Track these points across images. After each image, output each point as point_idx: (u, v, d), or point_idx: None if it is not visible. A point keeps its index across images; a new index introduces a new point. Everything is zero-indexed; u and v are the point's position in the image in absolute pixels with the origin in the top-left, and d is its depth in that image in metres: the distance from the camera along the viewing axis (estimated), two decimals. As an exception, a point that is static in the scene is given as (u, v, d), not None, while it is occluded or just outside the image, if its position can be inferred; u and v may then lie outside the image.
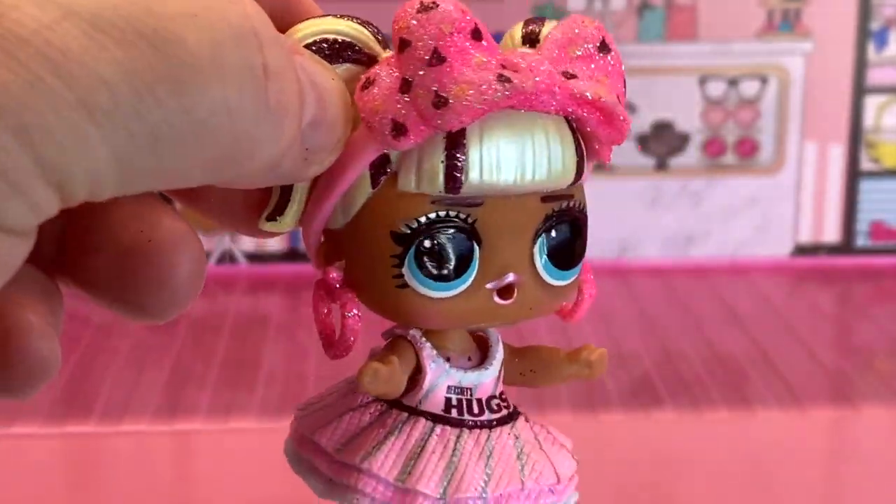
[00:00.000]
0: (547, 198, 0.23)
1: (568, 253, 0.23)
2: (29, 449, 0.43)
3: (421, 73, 0.22)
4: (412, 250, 0.23)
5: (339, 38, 0.22)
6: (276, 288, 0.59)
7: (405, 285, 0.23)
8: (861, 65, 0.60)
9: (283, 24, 0.22)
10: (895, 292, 0.58)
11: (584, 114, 0.23)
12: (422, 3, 0.22)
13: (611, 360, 0.50)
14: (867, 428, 0.44)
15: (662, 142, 0.61)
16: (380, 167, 0.23)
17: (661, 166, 0.61)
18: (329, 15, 0.22)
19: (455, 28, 0.22)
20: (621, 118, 0.23)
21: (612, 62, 0.23)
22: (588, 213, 0.24)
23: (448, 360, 0.24)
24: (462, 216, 0.22)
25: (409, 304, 0.23)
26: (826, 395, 0.46)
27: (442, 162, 0.22)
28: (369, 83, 0.22)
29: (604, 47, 0.23)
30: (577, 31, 0.23)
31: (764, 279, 0.60)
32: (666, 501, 0.39)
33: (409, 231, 0.22)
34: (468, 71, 0.22)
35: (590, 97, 0.23)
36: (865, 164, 0.61)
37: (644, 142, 0.61)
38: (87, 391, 0.47)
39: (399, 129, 0.22)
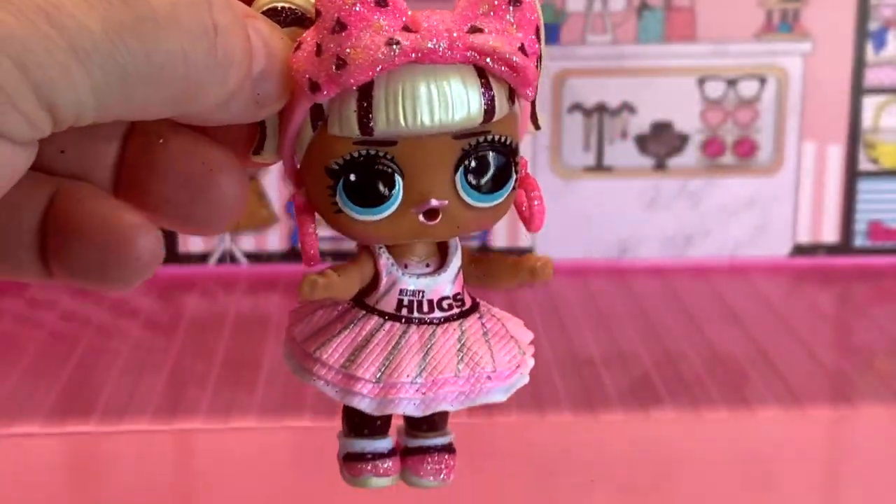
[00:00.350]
0: (459, 135, 0.27)
1: (489, 180, 0.28)
2: (30, 448, 0.43)
3: (327, 38, 0.27)
4: (341, 183, 0.28)
5: (288, 5, 0.27)
6: (277, 288, 0.59)
7: (340, 211, 0.28)
8: (860, 65, 0.60)
9: None
10: (894, 292, 0.59)
11: (488, 63, 0.27)
12: None
13: (610, 360, 0.50)
14: (866, 427, 0.45)
15: (661, 142, 0.61)
16: (315, 114, 0.27)
17: (660, 166, 0.61)
18: None
19: (358, 0, 0.26)
20: (517, 63, 0.27)
21: (525, 14, 0.28)
22: (511, 146, 0.28)
23: (406, 266, 0.29)
24: (381, 154, 0.27)
25: (346, 225, 0.28)
26: (825, 395, 0.46)
27: (354, 111, 0.27)
28: (298, 46, 0.27)
29: (514, 2, 0.27)
30: None
31: (763, 279, 0.60)
32: (665, 500, 0.39)
33: (337, 167, 0.27)
34: (364, 36, 0.26)
35: (487, 49, 0.27)
36: (864, 165, 0.61)
37: (643, 142, 0.61)
38: (87, 391, 0.47)
39: (314, 86, 0.27)
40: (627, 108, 0.61)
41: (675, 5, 0.59)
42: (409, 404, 0.29)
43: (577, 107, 0.60)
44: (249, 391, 0.47)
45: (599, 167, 0.61)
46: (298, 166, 0.29)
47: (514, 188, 0.28)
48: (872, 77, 0.60)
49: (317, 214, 0.29)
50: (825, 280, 0.60)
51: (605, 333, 0.53)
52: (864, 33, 0.60)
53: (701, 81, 0.60)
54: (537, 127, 0.30)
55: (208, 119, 0.25)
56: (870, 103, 0.60)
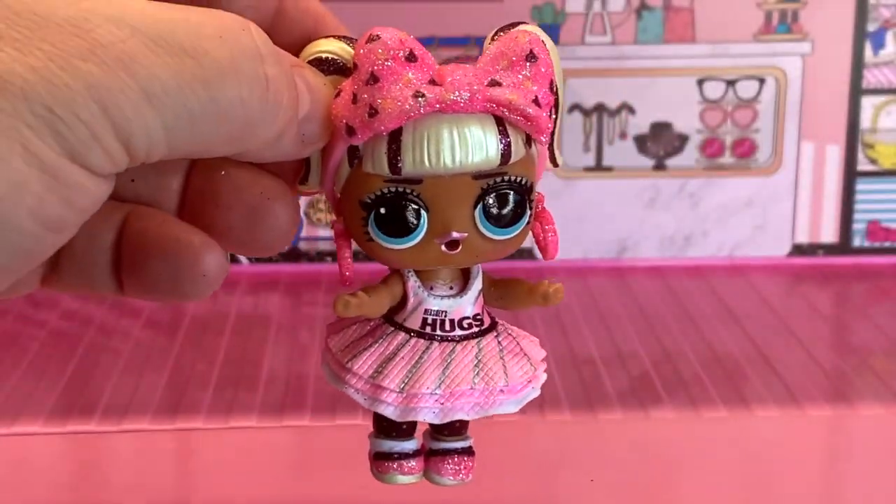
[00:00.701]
0: (478, 176, 0.31)
1: (505, 215, 0.31)
2: (31, 448, 0.43)
3: (362, 89, 0.30)
4: (372, 215, 0.31)
5: (331, 56, 0.31)
6: (278, 288, 0.60)
7: (371, 239, 0.31)
8: (858, 66, 0.60)
9: (315, 35, 0.31)
10: (892, 292, 0.59)
11: (505, 113, 0.31)
12: (370, 35, 0.30)
13: (609, 360, 0.50)
14: (864, 427, 0.45)
15: (661, 142, 0.61)
16: (352, 153, 0.31)
17: (660, 166, 0.61)
18: (331, 36, 0.31)
19: (390, 55, 0.30)
20: (530, 114, 0.31)
21: (540, 69, 0.31)
22: (525, 185, 0.31)
23: (431, 288, 0.33)
24: (407, 191, 0.31)
25: (377, 252, 0.32)
26: (823, 394, 0.47)
27: (384, 152, 0.30)
28: (338, 93, 0.30)
29: (531, 57, 0.31)
30: (510, 44, 0.31)
31: (762, 279, 0.60)
32: (664, 499, 0.39)
33: (369, 201, 0.31)
34: (394, 88, 0.30)
35: (503, 101, 0.31)
36: (863, 165, 0.61)
37: (642, 142, 0.61)
38: (89, 390, 0.47)
39: (350, 130, 0.30)
40: (627, 108, 0.61)
41: (674, 6, 0.60)
42: (428, 412, 0.33)
43: (576, 107, 0.61)
44: (250, 391, 0.47)
45: (599, 167, 0.61)
46: (338, 196, 0.32)
47: (528, 222, 0.32)
48: (871, 77, 0.60)
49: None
50: (824, 280, 0.60)
51: (605, 333, 0.53)
52: (863, 34, 0.60)
53: (700, 82, 0.60)
54: (555, 164, 0.34)
55: (261, 156, 0.28)
56: (868, 104, 0.61)
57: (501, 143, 0.31)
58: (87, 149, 0.24)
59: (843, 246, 0.62)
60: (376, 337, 0.33)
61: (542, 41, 0.31)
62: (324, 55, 0.31)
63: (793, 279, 0.61)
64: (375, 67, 0.30)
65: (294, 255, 0.61)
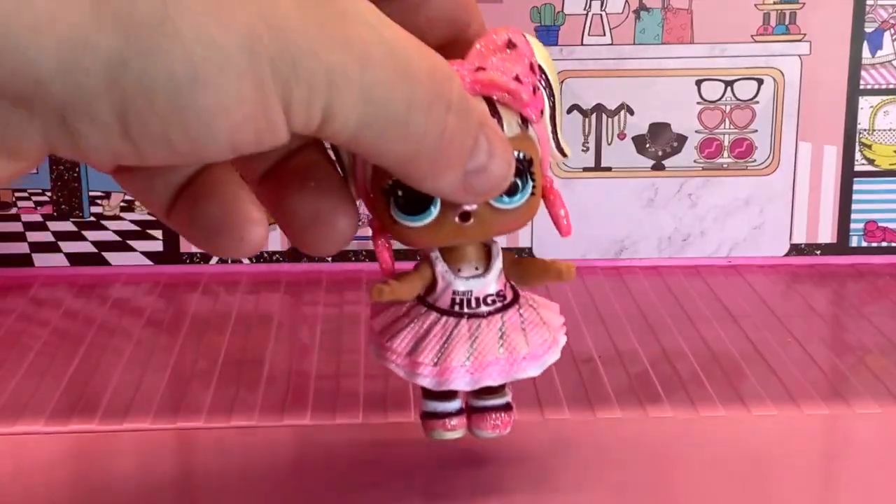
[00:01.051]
0: None
1: (509, 185, 0.34)
2: (33, 447, 0.43)
3: None
4: (392, 199, 0.35)
5: None
6: (279, 287, 0.60)
7: (396, 222, 0.35)
8: (856, 66, 0.60)
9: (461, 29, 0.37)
10: (889, 291, 0.59)
11: (492, 92, 0.34)
12: None
13: (608, 359, 0.50)
14: (861, 425, 0.45)
15: (659, 142, 0.61)
16: None
17: (658, 167, 0.61)
18: None
19: None
20: (510, 89, 0.34)
21: (520, 53, 0.35)
22: (523, 159, 0.35)
23: (458, 270, 0.37)
24: None
25: (402, 234, 0.35)
26: (821, 393, 0.47)
27: None
28: None
29: (510, 45, 0.35)
30: (492, 38, 0.35)
31: (759, 278, 0.61)
32: (662, 497, 0.39)
33: (388, 187, 0.35)
34: None
35: (486, 81, 0.34)
36: (860, 165, 0.61)
37: (641, 142, 0.61)
38: (90, 390, 0.48)
39: None
40: (625, 108, 0.61)
41: (672, 7, 0.60)
42: (460, 382, 0.37)
43: (575, 107, 0.61)
44: (251, 390, 0.47)
45: (598, 167, 0.61)
46: (370, 194, 0.36)
47: (532, 193, 0.35)
48: (868, 78, 0.61)
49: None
50: (821, 280, 0.61)
51: (603, 332, 0.53)
52: (861, 35, 0.60)
53: (698, 82, 0.61)
54: (563, 154, 0.38)
55: (419, 184, 0.32)
56: (866, 104, 0.61)
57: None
58: (298, 107, 0.27)
59: (841, 246, 0.62)
60: (411, 317, 0.37)
61: (521, 32, 0.35)
62: None
63: (790, 279, 0.61)
64: None
65: (295, 254, 0.62)
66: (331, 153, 0.35)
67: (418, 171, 0.31)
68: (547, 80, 0.37)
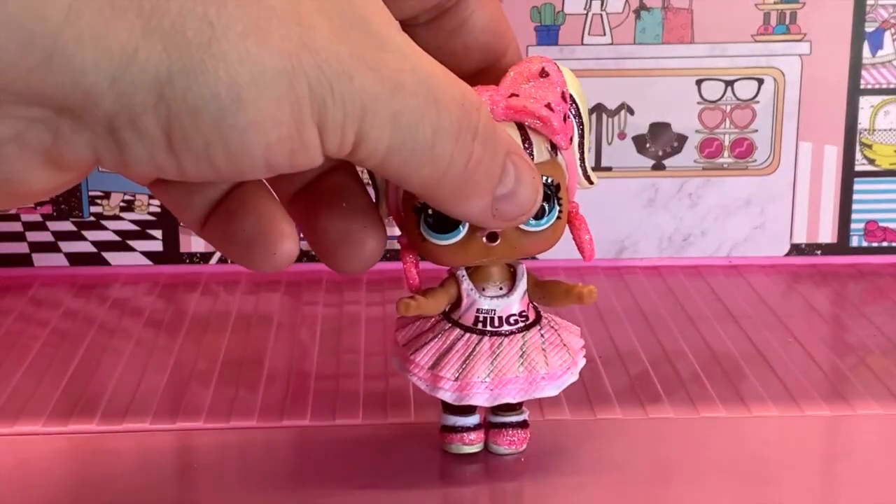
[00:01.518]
0: None
1: (537, 209, 0.35)
2: (31, 448, 0.43)
3: None
4: (422, 217, 0.36)
5: None
6: (279, 287, 0.60)
7: (425, 239, 0.36)
8: (856, 66, 0.60)
9: (496, 48, 0.38)
10: (890, 291, 0.59)
11: (524, 119, 0.36)
12: None
13: (609, 359, 0.50)
14: (862, 426, 0.45)
15: (660, 142, 0.61)
16: None
17: (658, 167, 0.61)
18: None
19: None
20: (541, 116, 0.36)
21: (552, 82, 0.36)
22: (551, 184, 0.37)
23: (483, 289, 0.38)
24: None
25: (431, 251, 0.37)
26: (821, 394, 0.47)
27: None
28: None
29: (543, 73, 0.36)
30: (526, 67, 0.36)
31: (760, 278, 0.61)
32: (662, 497, 0.39)
33: (419, 206, 0.36)
34: None
35: (519, 107, 0.36)
36: (861, 165, 0.61)
37: (641, 142, 0.61)
38: (90, 390, 0.48)
39: None
40: (626, 108, 0.61)
41: (672, 7, 0.60)
42: (480, 397, 0.38)
43: (575, 107, 0.61)
44: (251, 390, 0.47)
45: (598, 167, 0.61)
46: (401, 212, 0.37)
47: (558, 217, 0.37)
48: (869, 78, 0.60)
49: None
50: (822, 280, 0.61)
51: (603, 332, 0.53)
52: (861, 35, 0.60)
53: (699, 82, 0.61)
54: (590, 182, 0.39)
55: (447, 209, 0.33)
56: (866, 104, 0.61)
57: (524, 144, 0.36)
58: (332, 130, 0.29)
59: (841, 246, 0.62)
60: (436, 332, 0.39)
61: (554, 63, 0.37)
62: None
63: (791, 279, 0.61)
64: None
65: (294, 254, 0.61)
66: (365, 173, 0.37)
67: (444, 196, 0.32)
68: (577, 109, 0.38)
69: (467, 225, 0.36)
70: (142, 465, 0.42)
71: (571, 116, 0.38)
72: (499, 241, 0.36)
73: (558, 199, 0.37)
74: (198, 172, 0.28)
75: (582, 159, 0.39)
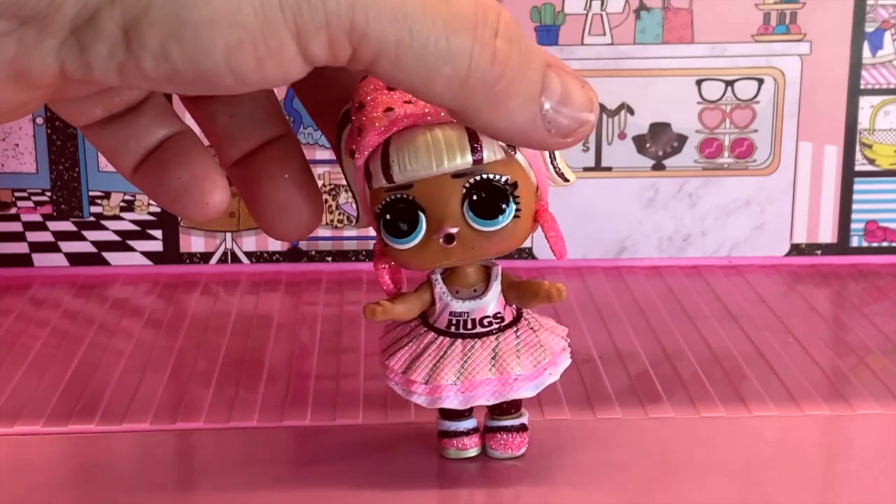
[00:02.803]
0: (456, 175, 0.36)
1: (489, 208, 0.36)
2: (31, 448, 0.43)
3: (356, 117, 0.36)
4: (382, 222, 0.36)
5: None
6: (279, 287, 0.60)
7: (387, 244, 0.37)
8: (856, 66, 0.60)
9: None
10: (890, 291, 0.59)
11: None
12: (363, 76, 0.35)
13: (609, 359, 0.50)
14: (862, 426, 0.45)
15: (660, 142, 0.61)
16: (367, 176, 0.36)
17: (659, 167, 0.61)
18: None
19: (373, 88, 0.35)
20: None
21: None
22: (505, 182, 0.36)
23: (457, 292, 0.38)
24: (402, 196, 0.36)
25: (394, 255, 0.37)
26: (822, 393, 0.47)
27: (380, 166, 0.36)
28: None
29: None
30: None
31: (760, 278, 0.61)
32: (663, 497, 0.39)
33: (378, 211, 0.36)
34: (372, 110, 0.35)
35: None
36: (861, 165, 0.61)
37: (641, 142, 0.61)
38: (89, 390, 0.48)
39: (352, 153, 0.36)
40: (626, 108, 0.61)
41: (673, 7, 0.60)
42: (452, 400, 0.38)
43: (575, 107, 0.61)
44: (251, 390, 0.47)
45: (598, 167, 0.61)
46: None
47: (515, 216, 0.36)
48: (869, 78, 0.60)
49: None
50: (822, 280, 0.61)
51: (603, 332, 0.53)
52: (861, 35, 0.60)
53: (699, 82, 0.61)
54: (565, 180, 0.40)
55: (492, 122, 0.30)
56: (866, 104, 0.61)
57: (472, 145, 0.35)
58: (316, 34, 0.27)
59: (841, 246, 0.62)
60: (411, 336, 0.39)
61: None
62: (349, 107, 0.36)
63: (791, 279, 0.61)
64: (362, 98, 0.35)
65: (295, 254, 0.62)
66: (347, 175, 0.37)
67: (480, 104, 0.29)
68: None
69: (423, 228, 0.36)
70: (142, 465, 0.42)
71: None
72: (455, 242, 0.36)
73: (514, 197, 0.36)
74: (159, 73, 0.27)
75: (552, 157, 0.39)
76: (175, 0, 0.26)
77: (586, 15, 0.60)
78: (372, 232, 0.38)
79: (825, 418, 0.45)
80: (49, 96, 0.30)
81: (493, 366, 0.38)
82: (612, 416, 0.45)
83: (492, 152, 0.36)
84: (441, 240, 0.36)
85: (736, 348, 0.51)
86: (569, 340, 0.40)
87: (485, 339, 0.38)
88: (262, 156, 0.35)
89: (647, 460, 0.41)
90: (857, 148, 0.61)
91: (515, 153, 0.37)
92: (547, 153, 0.39)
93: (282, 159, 0.35)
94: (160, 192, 0.34)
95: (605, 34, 0.60)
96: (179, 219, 0.61)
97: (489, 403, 0.39)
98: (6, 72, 0.28)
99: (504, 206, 0.36)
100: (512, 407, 0.40)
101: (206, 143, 0.37)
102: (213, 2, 0.26)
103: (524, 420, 0.40)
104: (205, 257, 0.62)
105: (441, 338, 0.38)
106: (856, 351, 0.51)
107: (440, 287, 0.38)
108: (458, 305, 0.38)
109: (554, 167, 0.39)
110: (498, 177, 0.36)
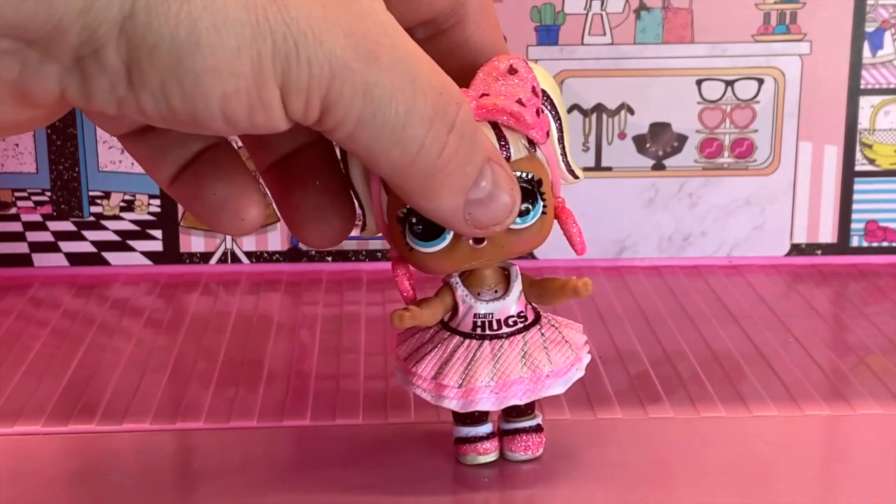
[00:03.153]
0: None
1: (511, 222, 0.35)
2: (31, 448, 0.43)
3: None
4: (407, 226, 0.36)
5: None
6: (279, 287, 0.60)
7: (412, 248, 0.36)
8: (857, 66, 0.60)
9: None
10: (890, 291, 0.59)
11: (496, 117, 0.35)
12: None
13: (609, 359, 0.50)
14: (862, 426, 0.45)
15: (660, 142, 0.61)
16: (384, 180, 0.34)
17: (659, 167, 0.61)
18: None
19: None
20: (513, 112, 0.35)
21: (519, 79, 0.36)
22: (532, 179, 0.36)
23: (479, 294, 0.38)
24: None
25: (418, 259, 0.36)
26: (822, 394, 0.47)
27: None
28: None
29: (512, 71, 0.36)
30: (494, 66, 0.36)
31: (760, 278, 0.61)
32: (663, 498, 0.39)
33: (402, 215, 0.36)
34: None
35: (490, 106, 0.35)
36: (861, 165, 0.61)
37: (641, 142, 0.61)
38: (89, 390, 0.48)
39: None
40: (626, 108, 0.61)
41: (673, 6, 0.60)
42: (486, 402, 0.38)
43: (575, 107, 0.61)
44: (251, 390, 0.47)
45: (598, 167, 0.61)
46: (387, 224, 0.37)
47: (543, 213, 0.36)
48: (869, 78, 0.60)
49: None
50: (822, 280, 0.61)
51: (604, 332, 0.53)
52: (861, 35, 0.60)
53: (699, 82, 0.61)
54: (575, 177, 0.40)
55: (417, 202, 0.33)
56: (867, 104, 0.61)
57: (500, 143, 0.35)
58: (296, 93, 0.28)
59: (842, 246, 0.62)
60: (435, 342, 0.38)
61: (523, 59, 0.36)
62: None
63: (791, 279, 0.61)
64: None
65: (295, 254, 0.62)
66: (354, 182, 0.37)
67: (413, 186, 0.32)
68: (553, 104, 0.38)
69: (452, 231, 0.35)
70: (142, 465, 0.42)
71: (546, 111, 0.37)
72: (485, 242, 0.36)
73: (541, 194, 0.36)
74: (156, 112, 0.28)
75: (564, 154, 0.39)
76: (179, 44, 0.27)
77: (586, 15, 0.60)
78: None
79: (825, 418, 0.45)
80: (55, 115, 0.31)
81: (525, 364, 0.38)
82: (612, 416, 0.45)
83: (518, 149, 0.36)
84: (471, 241, 0.36)
85: (736, 348, 0.51)
86: (586, 336, 0.40)
87: (512, 338, 0.38)
88: (296, 162, 0.36)
89: (647, 460, 0.41)
90: (858, 148, 0.61)
91: (536, 151, 0.37)
92: (559, 150, 0.38)
93: (313, 166, 0.36)
94: (196, 206, 0.34)
95: (605, 34, 0.60)
96: (180, 218, 0.61)
97: (522, 403, 0.38)
98: (9, 90, 0.28)
99: (533, 203, 0.36)
100: (529, 408, 0.40)
101: (240, 145, 0.38)
102: (216, 50, 0.27)
103: (539, 420, 0.40)
104: (205, 257, 0.62)
105: (468, 340, 0.38)
106: (856, 351, 0.51)
107: (462, 290, 0.38)
108: (483, 307, 0.38)
109: (566, 164, 0.39)
110: (525, 174, 0.36)
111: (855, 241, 0.62)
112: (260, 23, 0.27)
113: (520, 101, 0.35)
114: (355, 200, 0.38)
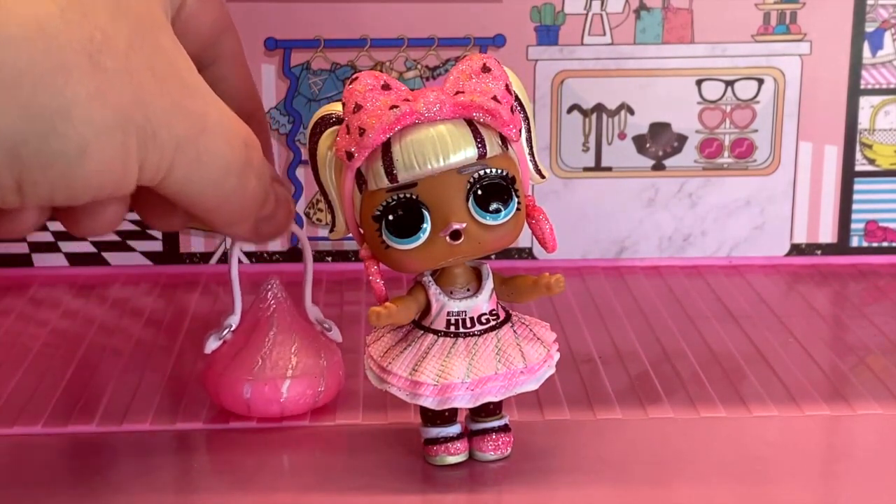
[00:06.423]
0: (461, 170, 0.36)
1: (493, 201, 0.36)
2: (31, 449, 0.43)
3: (351, 119, 0.36)
4: (383, 223, 0.36)
5: (332, 113, 0.38)
6: (278, 288, 0.59)
7: (388, 246, 0.37)
8: (856, 66, 0.60)
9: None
10: (890, 291, 0.59)
11: (472, 113, 0.36)
12: (350, 78, 0.37)
13: (609, 359, 0.50)
14: (862, 426, 0.45)
15: (660, 142, 0.61)
16: (359, 180, 0.37)
17: (659, 167, 0.61)
18: (336, 101, 0.38)
19: (368, 88, 0.36)
20: (489, 108, 0.36)
21: (493, 78, 0.37)
22: (507, 176, 0.37)
23: (451, 293, 0.38)
24: (406, 195, 0.36)
25: (394, 257, 0.37)
26: (822, 394, 0.47)
27: (381, 166, 0.36)
28: (338, 134, 0.37)
29: (485, 69, 0.37)
30: (467, 64, 0.37)
31: (760, 278, 0.61)
32: (663, 498, 0.39)
33: (378, 213, 0.36)
34: (375, 109, 0.36)
35: (466, 103, 0.36)
36: (861, 165, 0.61)
37: (641, 142, 0.61)
38: (89, 390, 0.48)
39: (350, 155, 0.37)
40: (626, 108, 0.61)
41: (673, 7, 0.60)
42: (462, 399, 0.38)
43: (575, 107, 0.61)
44: (251, 390, 0.47)
45: (598, 167, 0.61)
46: (359, 224, 0.38)
47: (517, 209, 0.37)
48: (869, 78, 0.61)
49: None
50: (822, 280, 0.61)
51: (604, 332, 0.53)
52: (861, 35, 0.60)
53: (699, 82, 0.61)
54: (542, 176, 0.39)
55: (221, 230, 0.40)
56: (866, 104, 0.61)
57: (476, 139, 0.36)
58: (150, 167, 0.35)
59: (842, 246, 0.62)
60: (409, 341, 0.39)
61: (495, 58, 0.38)
62: (326, 114, 0.38)
63: (791, 279, 0.61)
64: (358, 99, 0.36)
65: (294, 254, 0.61)
66: (324, 183, 0.39)
67: (220, 220, 0.38)
68: (521, 104, 0.38)
69: (429, 227, 0.36)
70: (142, 465, 0.42)
71: (518, 110, 0.38)
72: (461, 238, 0.36)
73: (515, 191, 0.37)
74: (38, 205, 0.35)
75: (531, 153, 0.39)
76: (69, 158, 0.33)
77: (586, 15, 0.60)
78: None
79: (825, 418, 0.45)
80: None
81: (500, 360, 0.38)
82: (612, 416, 0.45)
83: (492, 147, 0.37)
84: (447, 237, 0.36)
85: (736, 348, 0.51)
86: (555, 334, 0.41)
87: (485, 336, 0.39)
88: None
89: (647, 460, 0.41)
90: (857, 148, 0.61)
91: (509, 149, 0.38)
92: (527, 149, 0.39)
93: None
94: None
95: (605, 34, 0.60)
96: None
97: (496, 399, 0.39)
98: None
99: (507, 200, 0.37)
100: (497, 408, 0.40)
101: None
102: (99, 155, 0.33)
103: (506, 420, 0.40)
104: (205, 257, 0.62)
105: (442, 338, 0.38)
106: (856, 351, 0.51)
107: (434, 288, 0.38)
108: (455, 305, 0.38)
109: (533, 164, 0.39)
110: (500, 171, 0.37)
111: (855, 241, 0.62)
112: (128, 122, 0.33)
113: (495, 98, 0.36)
114: (324, 202, 0.39)
